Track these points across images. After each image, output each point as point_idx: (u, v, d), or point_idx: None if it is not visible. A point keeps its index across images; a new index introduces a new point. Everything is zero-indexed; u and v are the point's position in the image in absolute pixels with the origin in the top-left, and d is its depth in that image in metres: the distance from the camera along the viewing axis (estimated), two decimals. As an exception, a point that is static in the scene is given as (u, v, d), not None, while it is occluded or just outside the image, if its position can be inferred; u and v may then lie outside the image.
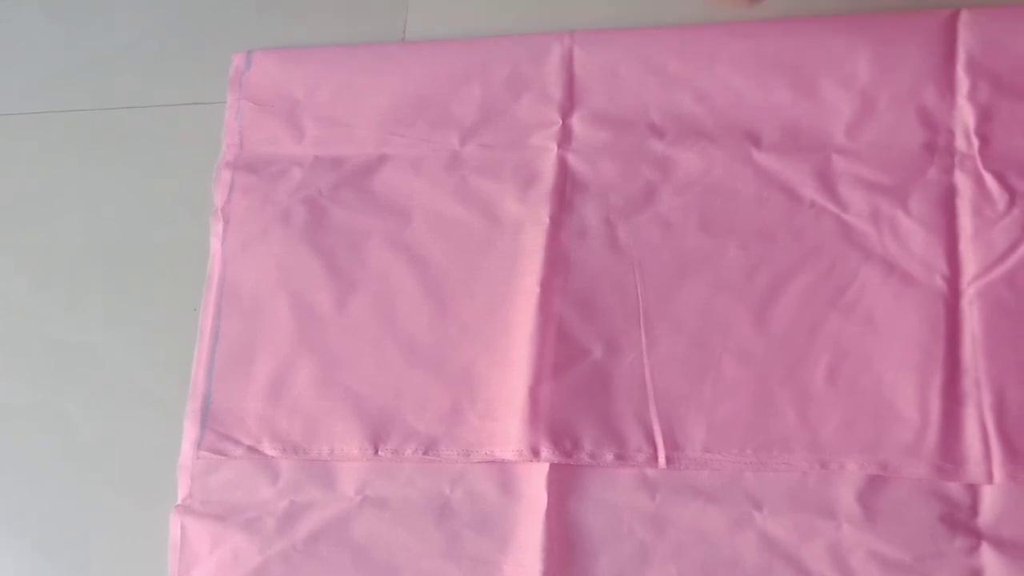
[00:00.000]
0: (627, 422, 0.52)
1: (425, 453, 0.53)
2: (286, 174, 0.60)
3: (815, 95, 0.55)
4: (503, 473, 0.53)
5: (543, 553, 0.51)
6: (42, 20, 0.69)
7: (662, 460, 0.51)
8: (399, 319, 0.56)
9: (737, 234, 0.54)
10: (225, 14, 0.63)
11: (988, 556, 0.47)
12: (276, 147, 0.61)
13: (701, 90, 0.57)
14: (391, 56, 0.61)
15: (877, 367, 0.50)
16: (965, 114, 0.53)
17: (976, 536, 0.48)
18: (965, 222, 0.51)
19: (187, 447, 0.56)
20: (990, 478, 0.48)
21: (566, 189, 0.56)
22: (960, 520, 0.48)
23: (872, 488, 0.49)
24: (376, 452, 0.54)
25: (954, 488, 0.49)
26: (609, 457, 0.52)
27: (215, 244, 0.59)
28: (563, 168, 0.56)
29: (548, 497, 0.51)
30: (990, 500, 0.48)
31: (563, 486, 0.52)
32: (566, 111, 0.58)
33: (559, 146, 0.57)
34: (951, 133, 0.53)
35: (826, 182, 0.53)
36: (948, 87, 0.54)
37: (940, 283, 0.51)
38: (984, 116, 0.52)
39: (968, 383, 0.49)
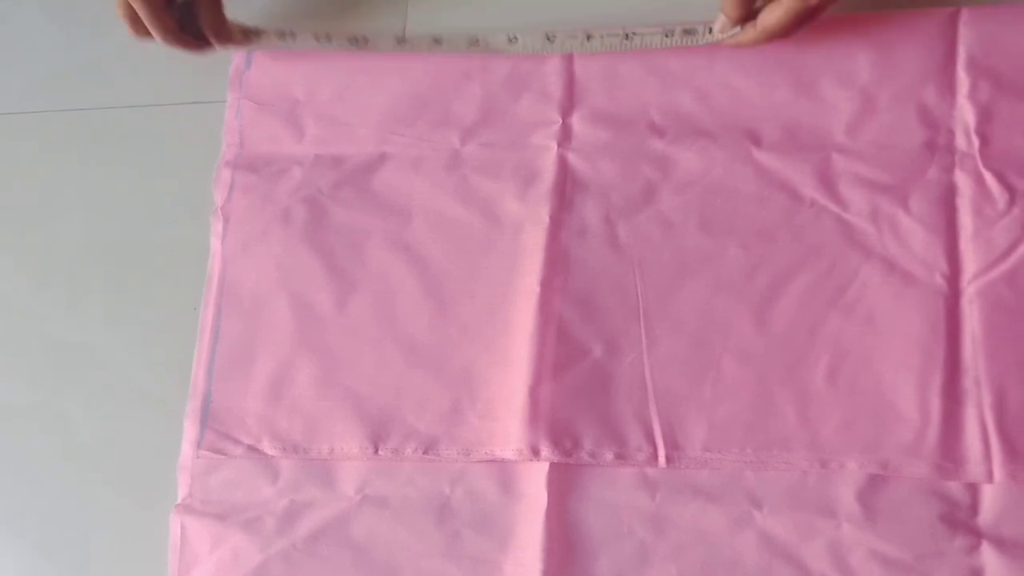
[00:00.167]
0: (627, 421, 0.52)
1: (425, 452, 0.53)
2: (286, 173, 0.60)
3: (815, 94, 0.55)
4: (503, 472, 0.53)
5: (543, 552, 0.51)
6: (41, 19, 0.69)
7: (662, 459, 0.51)
8: (399, 319, 0.56)
9: (737, 233, 0.54)
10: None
11: (988, 555, 0.48)
12: (276, 146, 0.61)
13: (701, 90, 0.57)
14: (391, 56, 0.61)
15: (877, 366, 0.50)
16: (965, 113, 0.53)
17: (976, 535, 0.48)
18: (965, 221, 0.51)
19: (187, 446, 0.56)
20: (990, 477, 0.48)
21: (566, 188, 0.56)
22: (960, 519, 0.48)
23: (872, 487, 0.49)
24: (376, 451, 0.54)
25: (954, 487, 0.49)
26: (609, 456, 0.52)
27: (215, 243, 0.59)
28: (563, 167, 0.56)
29: (548, 496, 0.51)
30: (990, 499, 0.48)
31: (563, 485, 0.52)
32: (566, 110, 0.58)
33: (559, 145, 0.57)
34: (951, 132, 0.53)
35: (826, 181, 0.53)
36: (948, 86, 0.53)
37: (940, 282, 0.51)
38: (984, 115, 0.52)
39: (968, 382, 0.49)
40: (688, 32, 0.56)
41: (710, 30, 0.56)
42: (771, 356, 0.51)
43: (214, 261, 0.59)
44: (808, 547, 0.49)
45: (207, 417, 0.56)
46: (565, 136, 0.57)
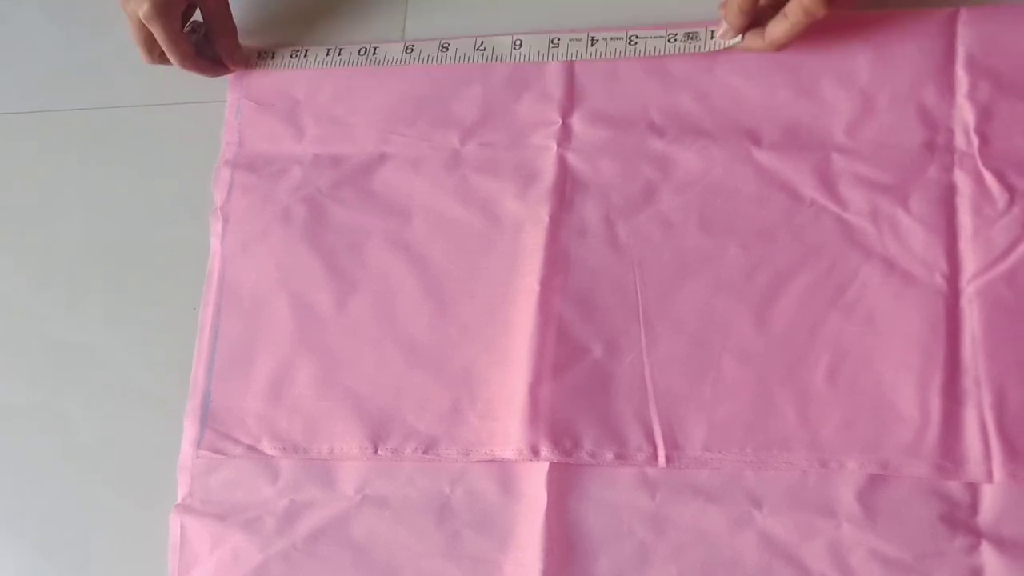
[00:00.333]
0: (627, 421, 0.52)
1: (425, 452, 0.53)
2: (286, 173, 0.60)
3: (815, 94, 0.55)
4: (503, 472, 0.53)
5: (543, 552, 0.51)
6: (41, 19, 0.69)
7: (662, 459, 0.51)
8: (399, 319, 0.56)
9: (737, 233, 0.54)
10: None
11: (988, 555, 0.47)
12: (276, 145, 0.61)
13: (701, 90, 0.57)
14: (392, 56, 0.61)
15: (877, 366, 0.50)
16: (965, 113, 0.53)
17: (976, 535, 0.48)
18: (965, 220, 0.51)
19: (187, 446, 0.56)
20: (990, 477, 0.48)
21: (566, 188, 0.56)
22: (960, 519, 0.48)
23: (872, 487, 0.49)
24: (376, 451, 0.54)
25: (954, 487, 0.49)
26: (609, 456, 0.52)
27: (215, 243, 0.59)
28: (563, 167, 0.56)
29: (548, 496, 0.51)
30: (990, 499, 0.48)
31: (563, 485, 0.52)
32: (566, 110, 0.58)
33: (559, 145, 0.57)
34: (951, 132, 0.53)
35: (826, 181, 0.53)
36: (948, 86, 0.54)
37: (940, 282, 0.51)
38: (984, 115, 0.52)
39: (968, 382, 0.49)
40: (691, 37, 0.57)
41: (712, 34, 0.56)
42: (771, 356, 0.51)
43: (214, 261, 0.59)
44: (808, 547, 0.49)
45: (207, 417, 0.56)
46: (565, 136, 0.57)
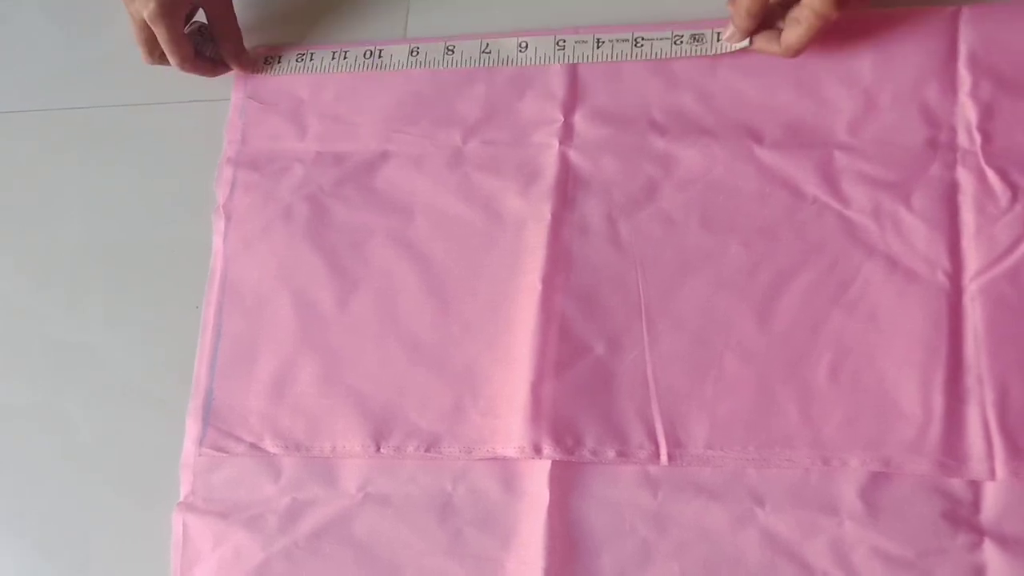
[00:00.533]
0: (629, 419, 0.52)
1: (427, 450, 0.53)
2: (288, 171, 0.60)
3: (817, 93, 0.55)
4: (505, 470, 0.53)
5: (545, 550, 0.51)
6: (41, 18, 0.69)
7: (664, 457, 0.51)
8: (401, 316, 0.56)
9: (739, 231, 0.54)
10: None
11: (990, 552, 0.47)
12: (278, 144, 0.61)
13: (703, 89, 0.57)
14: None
15: (880, 364, 0.50)
16: (967, 110, 0.53)
17: (978, 533, 0.48)
18: (967, 218, 0.51)
19: (189, 445, 0.56)
20: (992, 475, 0.48)
21: (568, 186, 0.56)
22: (962, 517, 0.48)
23: (874, 485, 0.49)
24: (378, 449, 0.54)
25: (956, 485, 0.49)
26: (611, 454, 0.51)
27: (217, 241, 0.59)
28: (565, 165, 0.56)
29: (550, 494, 0.51)
30: (992, 497, 0.48)
31: (565, 483, 0.52)
32: (568, 108, 0.58)
33: (561, 143, 0.57)
34: (953, 130, 0.53)
35: (828, 179, 0.53)
36: (950, 84, 0.54)
37: (943, 279, 0.51)
38: (986, 112, 0.52)
39: (971, 380, 0.49)
40: (697, 39, 0.57)
41: (718, 37, 0.56)
42: (773, 353, 0.51)
43: (216, 259, 0.59)
44: (810, 545, 0.49)
45: (209, 415, 0.56)
46: (567, 134, 0.57)
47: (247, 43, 0.63)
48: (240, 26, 0.62)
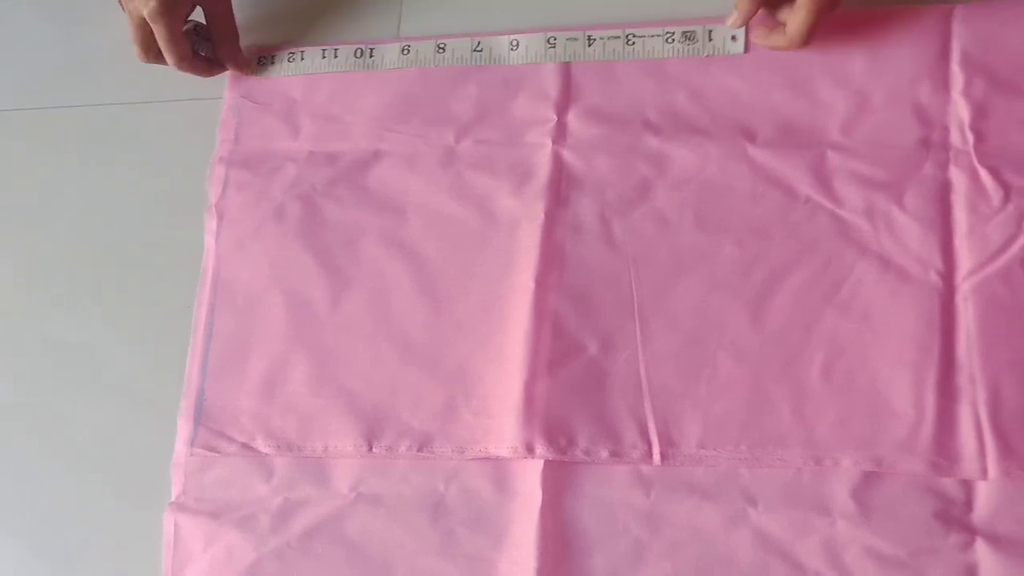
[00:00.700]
0: (622, 419, 0.52)
1: (419, 450, 0.53)
2: (281, 170, 0.60)
3: (810, 92, 0.55)
4: (498, 470, 0.53)
5: (537, 550, 0.51)
6: (36, 16, 0.68)
7: (657, 457, 0.51)
8: (394, 316, 0.56)
9: (732, 230, 0.54)
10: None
11: (983, 552, 0.47)
12: (271, 143, 0.61)
13: (696, 88, 0.56)
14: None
15: (872, 363, 0.50)
16: (960, 110, 0.53)
17: (971, 532, 0.48)
18: (960, 217, 0.51)
19: (180, 445, 0.56)
20: (984, 474, 0.48)
21: (561, 185, 0.56)
22: (955, 516, 0.48)
23: (867, 484, 0.49)
24: (370, 449, 0.54)
25: (949, 484, 0.49)
26: (604, 454, 0.51)
27: (209, 241, 0.59)
28: (558, 164, 0.56)
29: (543, 494, 0.51)
30: (984, 496, 0.48)
31: (558, 483, 0.52)
32: (562, 108, 0.58)
33: (554, 142, 0.57)
34: (946, 129, 0.53)
35: (821, 178, 0.53)
36: (943, 83, 0.53)
37: (935, 279, 0.51)
38: (979, 112, 0.52)
39: (963, 379, 0.49)
40: (689, 37, 0.57)
41: (710, 35, 0.56)
42: (766, 353, 0.51)
43: (208, 258, 0.59)
44: (803, 544, 0.49)
45: (201, 415, 0.56)
46: (560, 133, 0.57)
47: (242, 43, 0.62)
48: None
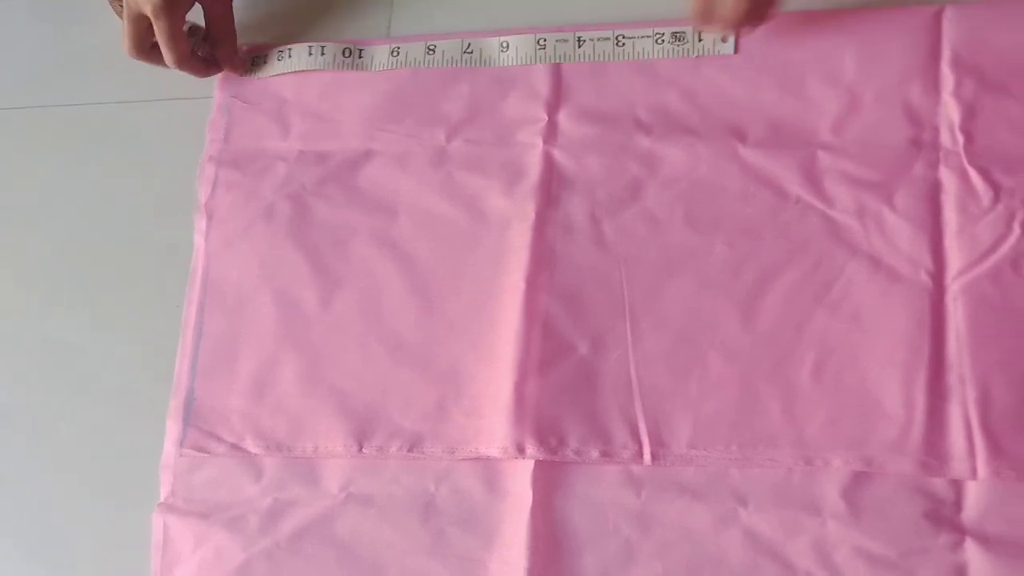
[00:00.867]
0: (613, 419, 0.52)
1: (410, 450, 0.53)
2: (271, 169, 0.59)
3: (801, 92, 0.55)
4: (488, 470, 0.53)
5: (528, 551, 0.51)
6: (25, 15, 0.68)
7: (647, 457, 0.51)
8: (384, 316, 0.56)
9: (723, 230, 0.54)
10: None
11: (972, 552, 0.47)
12: (261, 142, 0.60)
13: (687, 88, 0.57)
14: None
15: (862, 363, 0.50)
16: (950, 110, 0.53)
17: (960, 532, 0.48)
18: (950, 218, 0.51)
19: (169, 445, 0.56)
20: (974, 474, 0.48)
21: (552, 185, 0.56)
22: (945, 516, 0.48)
23: (857, 484, 0.49)
24: (361, 449, 0.54)
25: (938, 484, 0.49)
26: (594, 454, 0.51)
27: (198, 240, 0.59)
28: (549, 164, 0.56)
29: (533, 494, 0.51)
30: (974, 496, 0.48)
31: (548, 483, 0.52)
32: (552, 107, 0.58)
33: (545, 142, 0.57)
34: (936, 129, 0.53)
35: (812, 178, 0.53)
36: (933, 83, 0.54)
37: (925, 279, 0.51)
38: (969, 112, 0.52)
39: (953, 379, 0.49)
40: (678, 38, 0.57)
41: (699, 36, 0.56)
42: (757, 353, 0.51)
43: (197, 258, 0.59)
44: (793, 544, 0.49)
45: (190, 415, 0.56)
46: (551, 133, 0.57)
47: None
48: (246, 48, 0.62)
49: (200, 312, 0.57)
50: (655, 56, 0.57)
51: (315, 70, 0.61)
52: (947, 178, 0.52)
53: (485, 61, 0.59)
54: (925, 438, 0.49)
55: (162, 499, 0.55)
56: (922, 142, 0.53)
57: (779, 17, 0.56)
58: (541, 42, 0.59)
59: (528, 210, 0.55)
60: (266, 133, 0.60)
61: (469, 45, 0.59)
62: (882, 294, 0.51)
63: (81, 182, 0.63)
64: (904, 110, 0.54)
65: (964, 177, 0.52)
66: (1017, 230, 0.50)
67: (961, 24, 0.54)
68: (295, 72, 0.61)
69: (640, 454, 0.51)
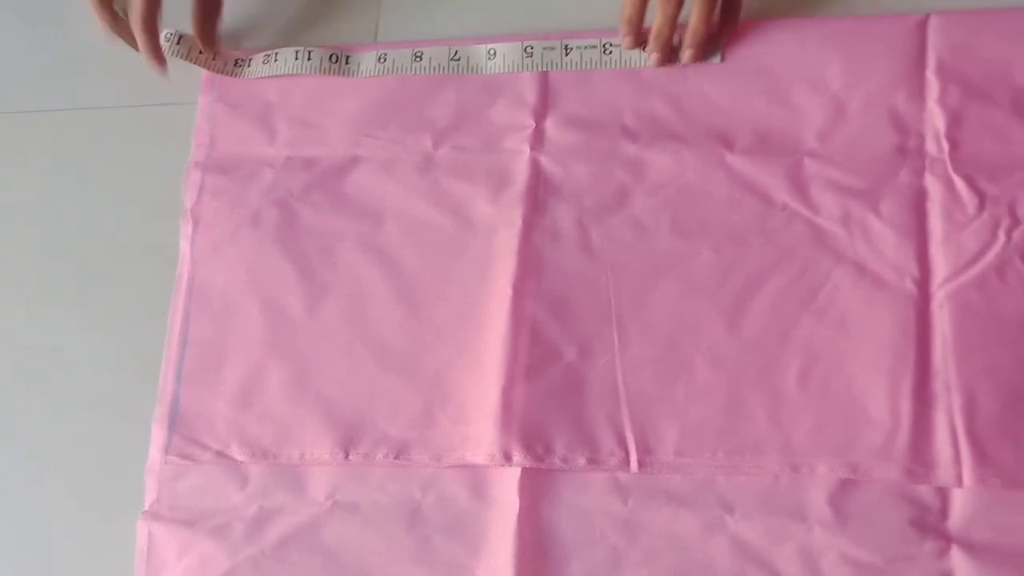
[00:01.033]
0: (599, 426, 0.52)
1: (396, 458, 0.53)
2: (257, 175, 0.59)
3: (787, 100, 0.55)
4: (475, 478, 0.53)
5: (514, 558, 0.50)
6: (9, 19, 0.68)
7: (634, 464, 0.51)
8: (371, 322, 0.55)
9: (709, 237, 0.54)
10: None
11: (958, 559, 0.48)
12: (247, 148, 0.60)
13: (674, 95, 0.57)
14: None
15: (848, 370, 0.50)
16: (935, 118, 0.53)
17: (946, 539, 0.48)
18: (935, 225, 0.52)
19: (155, 452, 0.55)
20: (960, 481, 0.48)
21: (539, 191, 0.56)
22: (930, 523, 0.48)
23: (843, 491, 0.49)
24: (347, 457, 0.53)
25: (924, 491, 0.49)
26: (581, 461, 0.51)
27: (184, 246, 0.59)
28: (536, 170, 0.56)
29: (520, 502, 0.51)
30: (960, 503, 0.48)
31: (535, 491, 0.52)
32: (539, 114, 0.58)
33: (532, 149, 0.57)
34: (921, 137, 0.53)
35: (798, 186, 0.54)
36: (918, 91, 0.54)
37: (911, 286, 0.51)
38: (954, 120, 0.53)
39: (938, 386, 0.49)
40: None
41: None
42: (743, 359, 0.51)
43: (183, 264, 0.58)
44: (779, 551, 0.49)
45: (175, 422, 0.55)
46: (538, 140, 0.57)
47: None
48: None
49: (186, 318, 0.57)
50: (642, 64, 0.57)
51: (301, 75, 0.61)
52: (932, 185, 0.52)
53: (472, 69, 0.59)
54: (911, 445, 0.49)
55: (147, 506, 0.55)
56: (907, 149, 0.53)
57: (765, 25, 0.56)
58: (528, 50, 0.59)
59: (515, 216, 0.55)
60: (252, 139, 0.60)
61: (456, 52, 0.59)
62: (868, 301, 0.51)
63: (67, 188, 0.63)
64: (890, 118, 0.54)
65: (949, 184, 0.52)
66: (1002, 237, 0.51)
67: (946, 33, 0.54)
68: (280, 76, 0.61)
69: (627, 461, 0.51)
